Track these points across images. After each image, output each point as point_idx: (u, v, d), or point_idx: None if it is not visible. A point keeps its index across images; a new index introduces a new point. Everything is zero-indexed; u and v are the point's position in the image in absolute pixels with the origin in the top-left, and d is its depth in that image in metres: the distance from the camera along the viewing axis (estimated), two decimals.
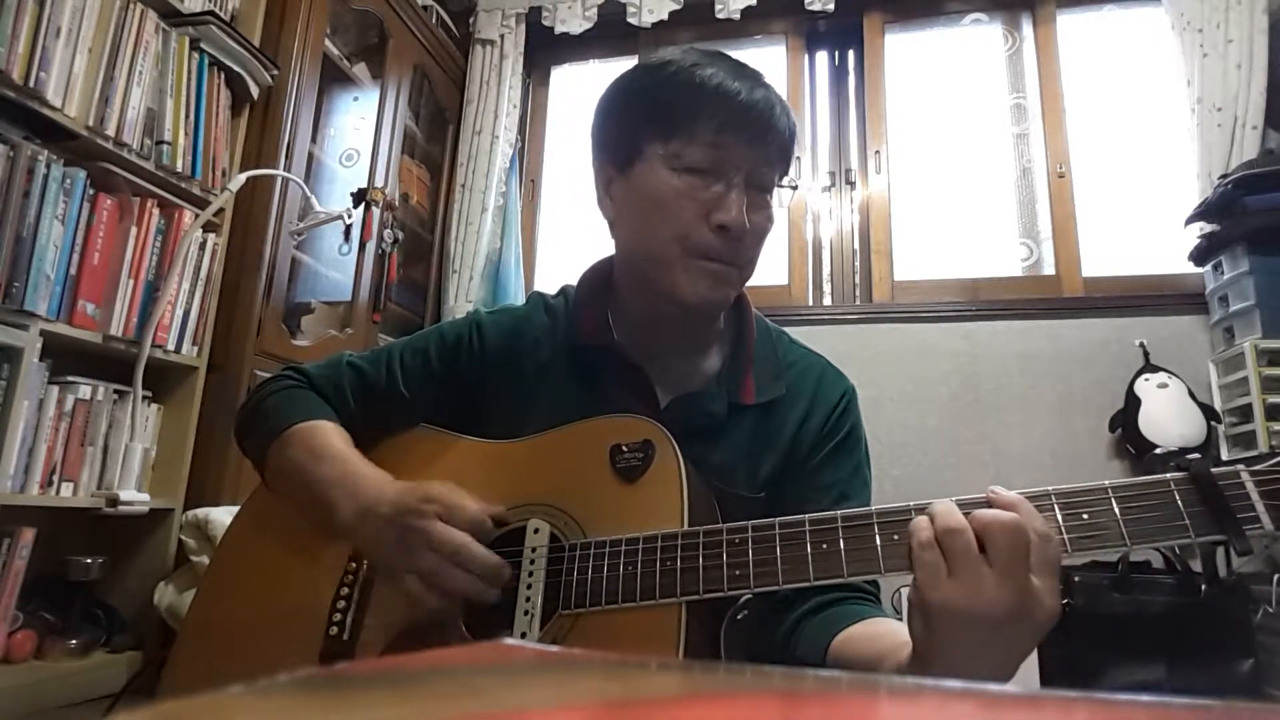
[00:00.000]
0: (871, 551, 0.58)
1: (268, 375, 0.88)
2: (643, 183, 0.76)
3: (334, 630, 0.70)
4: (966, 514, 0.53)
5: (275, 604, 0.75)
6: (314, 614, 0.72)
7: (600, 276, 0.87)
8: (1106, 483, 0.55)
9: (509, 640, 0.34)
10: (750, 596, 0.62)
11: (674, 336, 0.82)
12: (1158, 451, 1.97)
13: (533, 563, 0.66)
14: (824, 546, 0.59)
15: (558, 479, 0.71)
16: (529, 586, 0.65)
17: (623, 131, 0.79)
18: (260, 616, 0.75)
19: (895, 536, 0.58)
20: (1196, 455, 0.54)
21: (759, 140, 0.74)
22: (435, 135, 2.84)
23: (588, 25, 2.80)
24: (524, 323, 0.87)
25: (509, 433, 0.79)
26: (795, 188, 0.79)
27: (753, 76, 0.76)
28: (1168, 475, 0.54)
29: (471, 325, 0.87)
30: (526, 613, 0.64)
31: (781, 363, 0.85)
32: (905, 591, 0.57)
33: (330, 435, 0.78)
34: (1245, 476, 0.52)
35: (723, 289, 0.76)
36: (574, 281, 0.90)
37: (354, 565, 0.73)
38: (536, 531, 0.68)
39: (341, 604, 0.71)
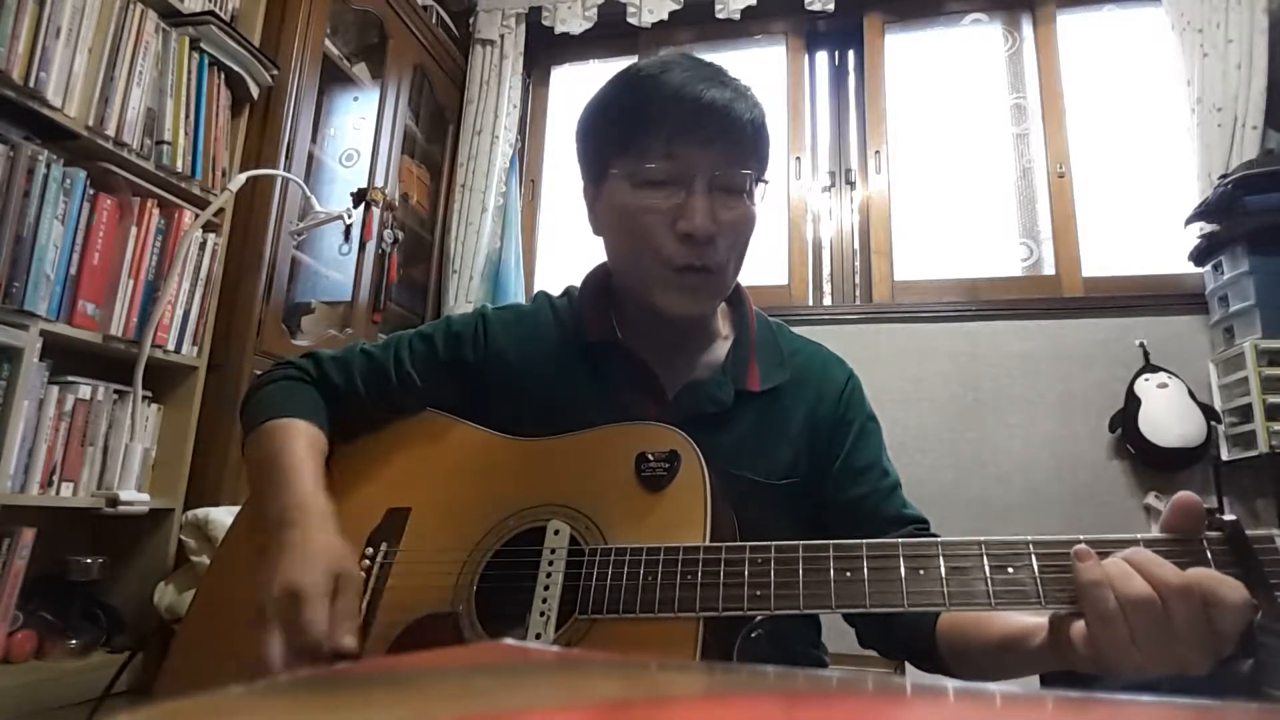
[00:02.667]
0: (896, 584, 0.58)
1: (274, 364, 0.90)
2: (611, 201, 0.78)
3: None
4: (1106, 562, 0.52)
5: None
6: None
7: (602, 279, 0.89)
8: (1141, 536, 0.55)
9: (509, 640, 0.34)
10: (766, 617, 0.62)
11: (675, 336, 0.83)
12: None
13: (551, 564, 0.66)
14: (847, 574, 0.59)
15: (581, 482, 0.71)
16: (546, 588, 0.65)
17: (590, 152, 0.81)
18: None
19: (920, 571, 0.58)
20: (1232, 517, 0.55)
21: (715, 142, 0.73)
22: (435, 135, 2.83)
23: (588, 25, 2.80)
24: (530, 319, 0.89)
25: (514, 425, 0.79)
26: (766, 182, 0.79)
27: (709, 77, 0.75)
28: (1202, 534, 0.54)
29: (478, 318, 0.89)
30: (543, 614, 0.64)
31: (784, 351, 0.86)
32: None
33: (296, 440, 0.77)
34: None
35: (702, 299, 0.77)
36: (577, 283, 0.92)
37: (368, 555, 0.74)
38: (557, 533, 0.68)
39: None
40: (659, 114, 0.73)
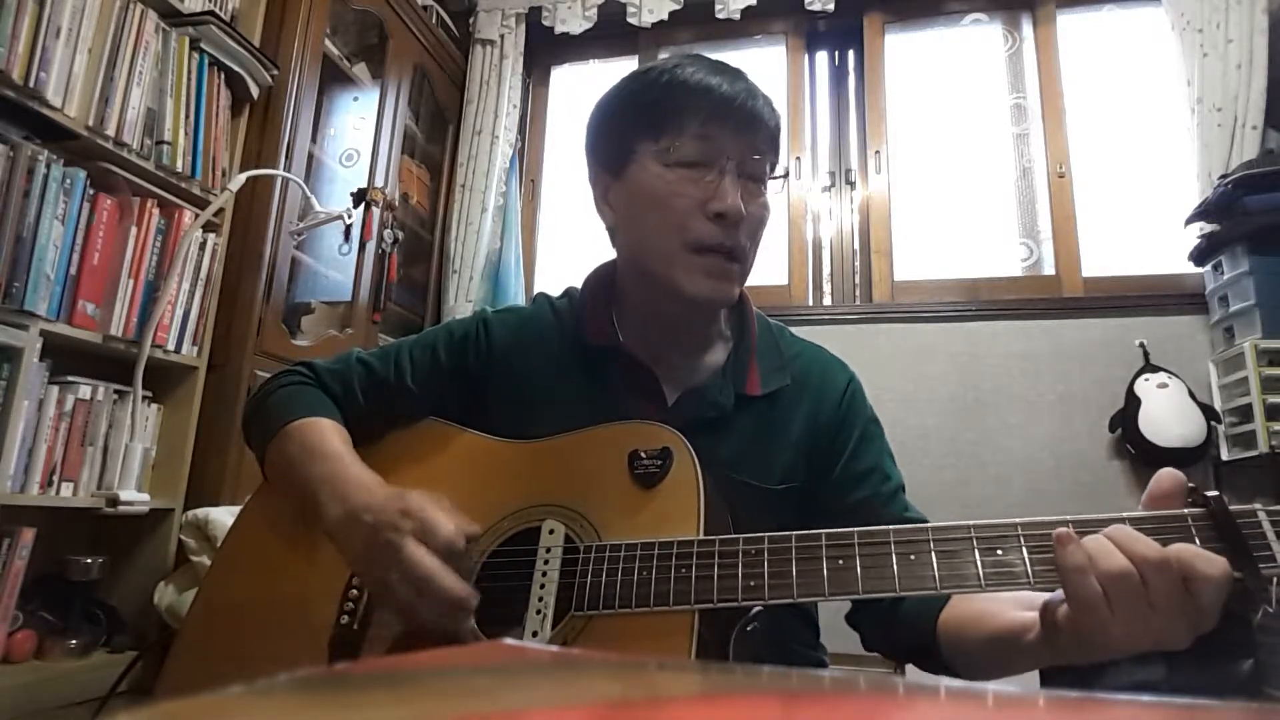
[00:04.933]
0: (888, 570, 0.58)
1: (271, 374, 0.89)
2: (638, 183, 0.78)
3: (345, 619, 0.71)
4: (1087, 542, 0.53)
5: (286, 591, 0.75)
6: (325, 602, 0.72)
7: (604, 280, 0.88)
8: (1125, 514, 0.55)
9: (509, 640, 0.34)
10: (761, 610, 0.62)
11: (678, 335, 0.83)
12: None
13: (547, 563, 0.67)
14: (840, 562, 0.59)
15: (575, 482, 0.72)
16: (542, 586, 0.65)
17: (613, 137, 0.81)
18: (271, 603, 0.75)
19: (912, 557, 0.58)
20: (1215, 493, 0.55)
21: (746, 129, 0.76)
22: (435, 135, 2.84)
23: (588, 25, 2.80)
24: (531, 322, 0.89)
25: (515, 429, 0.79)
26: (785, 175, 0.81)
27: (733, 72, 0.78)
28: (1185, 510, 0.54)
29: (479, 323, 0.89)
30: (539, 612, 0.64)
31: (785, 355, 0.86)
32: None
33: (327, 433, 0.78)
34: (1262, 516, 0.52)
35: (725, 284, 0.77)
36: (577, 284, 0.91)
37: None
38: (552, 532, 0.68)
39: (354, 592, 0.72)
40: (695, 97, 0.75)
